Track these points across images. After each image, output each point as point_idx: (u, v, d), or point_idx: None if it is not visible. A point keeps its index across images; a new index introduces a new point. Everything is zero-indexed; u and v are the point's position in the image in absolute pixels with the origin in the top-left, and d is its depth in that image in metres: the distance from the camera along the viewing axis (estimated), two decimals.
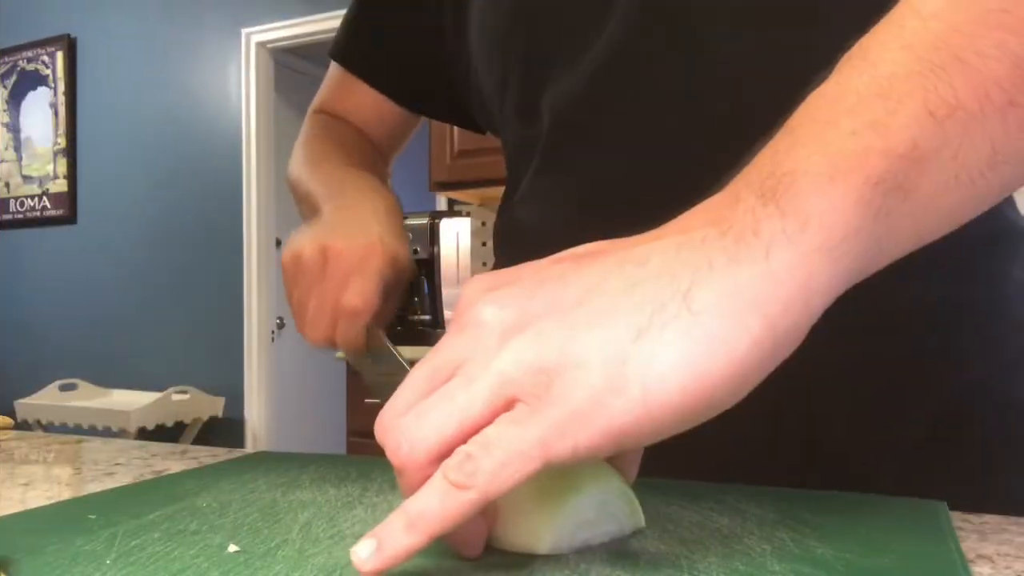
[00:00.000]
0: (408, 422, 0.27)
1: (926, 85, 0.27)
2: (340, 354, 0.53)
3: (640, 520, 0.35)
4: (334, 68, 0.71)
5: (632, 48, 0.49)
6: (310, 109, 0.72)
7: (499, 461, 0.25)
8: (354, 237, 0.50)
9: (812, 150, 0.27)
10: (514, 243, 0.60)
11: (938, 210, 0.27)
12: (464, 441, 0.26)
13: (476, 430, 0.26)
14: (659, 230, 0.29)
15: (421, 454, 0.27)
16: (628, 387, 0.25)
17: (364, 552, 0.26)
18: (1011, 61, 0.26)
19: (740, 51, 0.46)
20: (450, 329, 0.30)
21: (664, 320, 0.25)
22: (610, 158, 0.51)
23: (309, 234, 0.51)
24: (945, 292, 0.48)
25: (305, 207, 0.60)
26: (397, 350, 0.49)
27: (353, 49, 0.69)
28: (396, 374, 0.49)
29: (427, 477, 0.27)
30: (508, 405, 0.26)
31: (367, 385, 0.52)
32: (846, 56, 0.30)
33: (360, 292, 0.48)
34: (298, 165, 0.66)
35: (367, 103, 0.69)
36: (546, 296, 0.28)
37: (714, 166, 0.46)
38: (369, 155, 0.67)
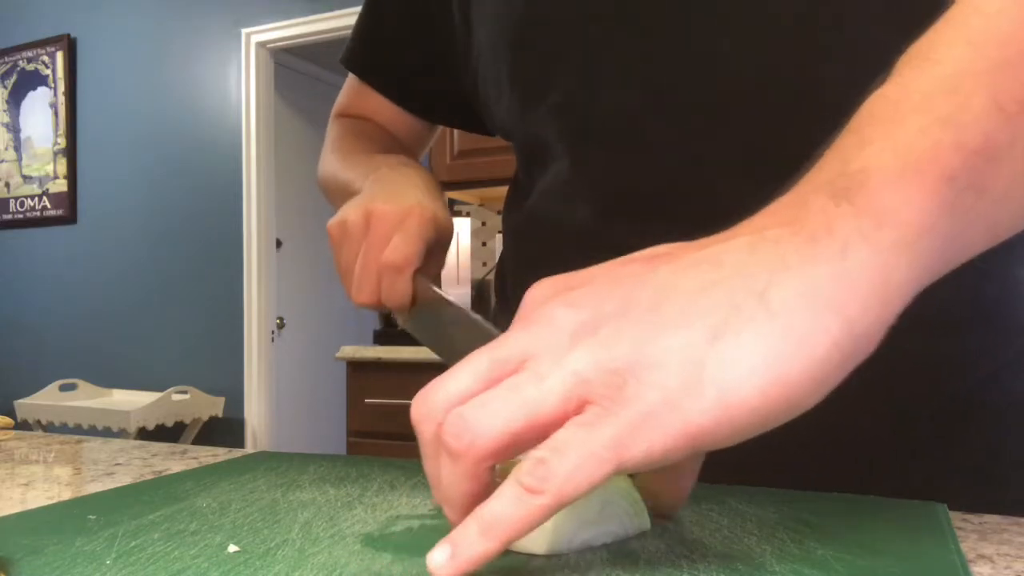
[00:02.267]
0: (471, 411, 0.26)
1: (994, 81, 0.26)
2: (398, 318, 0.52)
3: (646, 522, 0.34)
4: (352, 77, 0.71)
5: (650, 48, 0.49)
6: (332, 113, 0.73)
7: (573, 464, 0.24)
8: (395, 200, 0.51)
9: (881, 147, 0.26)
10: (532, 237, 0.60)
11: (1011, 205, 0.27)
12: (531, 438, 0.26)
13: (544, 428, 0.26)
14: (731, 231, 0.28)
15: (485, 446, 0.26)
16: (705, 389, 0.24)
17: (440, 559, 0.25)
18: None
19: (753, 47, 0.46)
20: (515, 326, 0.29)
21: (741, 321, 0.25)
22: (635, 156, 0.50)
23: (352, 202, 0.53)
24: (958, 293, 0.48)
25: (341, 197, 0.61)
26: (450, 298, 0.47)
27: (362, 56, 0.69)
28: (454, 324, 0.46)
29: (483, 469, 0.26)
30: (579, 407, 0.26)
31: (427, 346, 0.50)
32: (904, 57, 0.29)
33: (401, 247, 0.48)
34: (328, 163, 0.66)
35: (384, 107, 0.70)
36: (620, 297, 0.27)
37: (738, 158, 0.47)
38: (396, 147, 0.68)
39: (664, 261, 0.28)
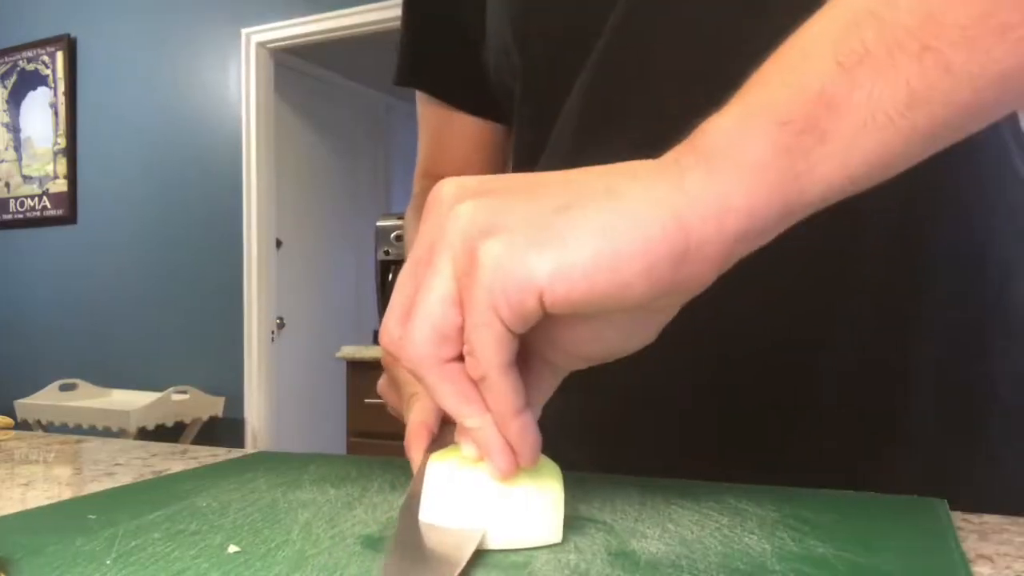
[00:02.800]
0: (407, 330, 0.30)
1: (837, 38, 0.29)
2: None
3: (557, 536, 0.33)
4: (424, 117, 0.69)
5: (635, 42, 0.49)
6: (416, 174, 0.70)
7: (479, 342, 0.28)
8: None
9: (732, 106, 0.30)
10: None
11: (863, 150, 0.29)
12: (455, 317, 0.29)
13: (458, 301, 0.29)
14: None
15: (427, 351, 0.29)
16: (547, 246, 0.27)
17: (501, 466, 0.31)
18: (923, 11, 0.28)
19: (742, 39, 0.46)
20: (421, 220, 0.32)
21: (587, 200, 0.28)
22: (620, 153, 0.51)
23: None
24: (949, 288, 0.48)
25: None
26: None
27: (416, 69, 0.67)
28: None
29: (446, 365, 0.30)
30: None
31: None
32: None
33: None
34: (411, 233, 0.65)
35: (463, 138, 0.67)
36: (492, 183, 0.31)
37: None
38: None
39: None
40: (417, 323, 0.29)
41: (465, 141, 0.67)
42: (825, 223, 0.33)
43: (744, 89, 0.31)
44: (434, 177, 0.69)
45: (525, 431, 0.31)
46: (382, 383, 0.49)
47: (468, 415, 0.31)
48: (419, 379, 0.31)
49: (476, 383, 0.30)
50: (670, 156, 0.30)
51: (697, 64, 0.48)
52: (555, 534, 0.33)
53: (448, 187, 0.31)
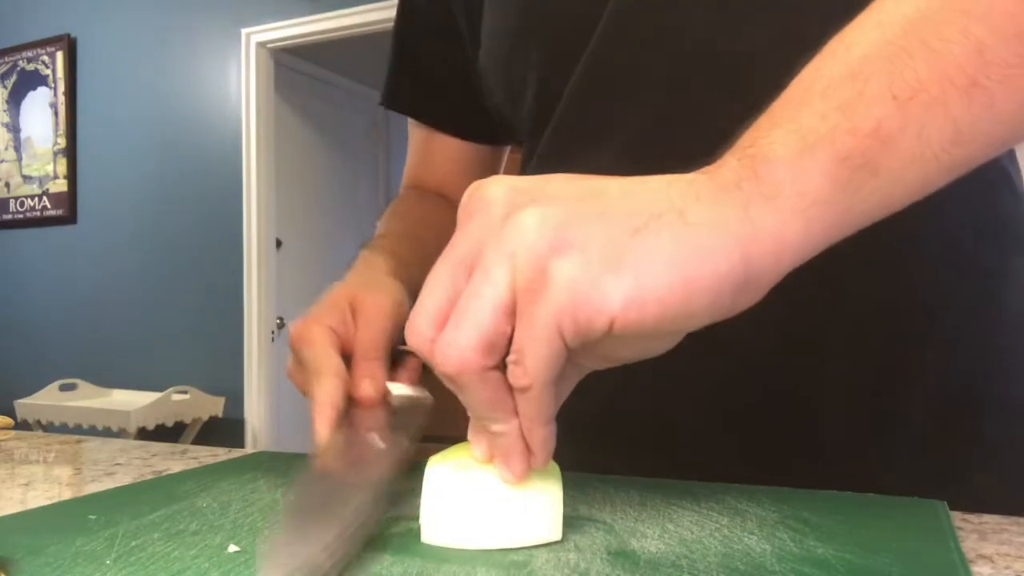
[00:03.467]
0: (449, 335, 0.29)
1: (892, 69, 0.29)
2: None
3: (557, 533, 0.33)
4: (411, 133, 0.70)
5: (620, 49, 0.49)
6: (402, 184, 0.72)
7: (533, 356, 0.28)
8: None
9: (787, 130, 0.29)
10: None
11: (905, 183, 0.30)
12: (507, 324, 0.28)
13: (510, 312, 0.28)
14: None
15: (473, 359, 0.29)
16: (623, 272, 0.27)
17: (515, 471, 0.31)
18: (973, 46, 0.29)
19: (722, 43, 0.47)
20: (459, 219, 0.31)
21: (660, 225, 0.28)
22: (610, 161, 0.51)
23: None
24: (948, 288, 0.48)
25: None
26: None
27: (400, 93, 0.69)
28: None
29: (486, 372, 0.29)
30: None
31: None
32: (830, 41, 0.32)
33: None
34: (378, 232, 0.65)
35: (445, 157, 0.68)
36: (548, 187, 0.30)
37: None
38: (433, 242, 0.66)
39: (592, 176, 0.31)
40: (464, 329, 0.29)
41: (448, 160, 0.69)
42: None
43: (796, 105, 0.30)
44: (418, 189, 0.70)
45: (549, 439, 0.31)
46: (290, 364, 0.48)
47: (497, 420, 0.30)
48: (451, 381, 0.30)
49: (511, 388, 0.30)
50: (730, 177, 0.29)
51: (683, 70, 0.48)
52: (555, 532, 0.33)
53: (498, 188, 0.30)
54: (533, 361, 0.28)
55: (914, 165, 0.29)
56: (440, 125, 0.68)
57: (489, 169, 0.70)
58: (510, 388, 0.30)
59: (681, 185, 0.29)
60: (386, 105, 0.69)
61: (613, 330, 0.27)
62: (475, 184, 0.31)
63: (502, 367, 0.30)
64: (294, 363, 0.47)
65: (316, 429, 0.41)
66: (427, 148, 0.69)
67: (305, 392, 0.46)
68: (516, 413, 0.30)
